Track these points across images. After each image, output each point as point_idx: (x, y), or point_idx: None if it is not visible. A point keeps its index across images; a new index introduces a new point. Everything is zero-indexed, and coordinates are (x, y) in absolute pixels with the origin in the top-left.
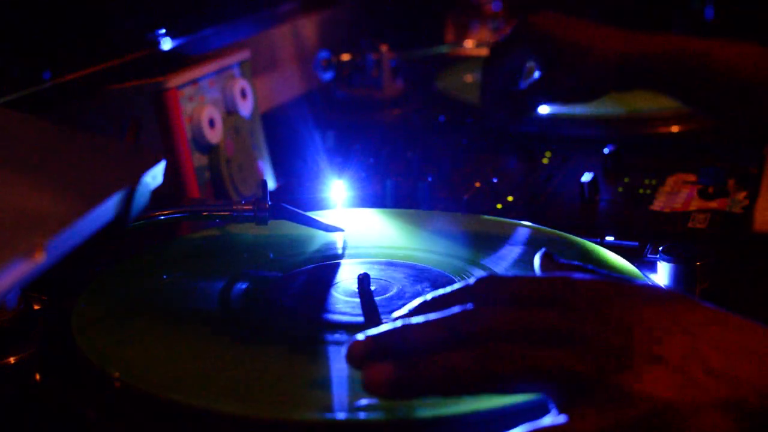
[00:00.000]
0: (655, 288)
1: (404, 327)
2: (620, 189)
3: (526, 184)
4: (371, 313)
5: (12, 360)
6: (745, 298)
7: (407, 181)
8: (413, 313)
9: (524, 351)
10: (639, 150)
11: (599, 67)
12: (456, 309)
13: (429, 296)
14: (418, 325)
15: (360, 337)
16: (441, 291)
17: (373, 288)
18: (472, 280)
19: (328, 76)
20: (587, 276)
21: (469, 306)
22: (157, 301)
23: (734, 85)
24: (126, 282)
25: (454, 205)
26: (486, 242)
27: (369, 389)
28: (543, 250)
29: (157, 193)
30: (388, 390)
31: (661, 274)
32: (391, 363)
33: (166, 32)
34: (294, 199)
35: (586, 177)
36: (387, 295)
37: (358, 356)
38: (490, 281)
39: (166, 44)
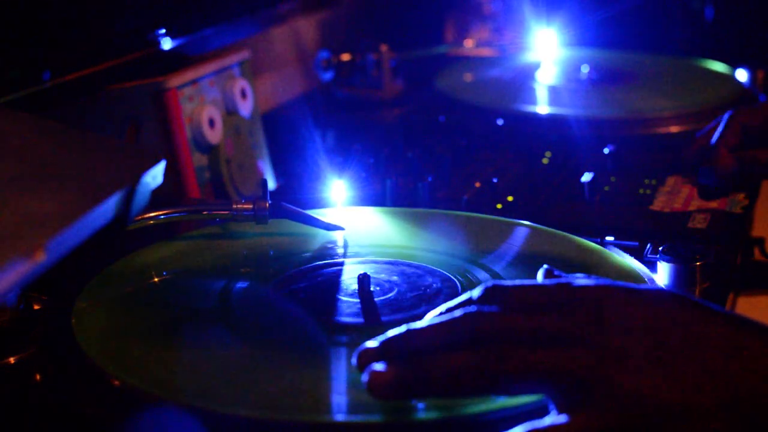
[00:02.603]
0: (656, 290)
1: (408, 330)
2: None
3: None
4: (371, 313)
5: (12, 360)
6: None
7: (407, 181)
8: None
9: (525, 353)
10: (639, 150)
11: None
12: (458, 312)
13: (437, 310)
14: (421, 328)
15: (370, 344)
16: (448, 303)
17: (373, 288)
18: (476, 291)
19: (328, 76)
20: (589, 281)
21: (473, 309)
22: (156, 300)
23: None
24: (126, 282)
25: (454, 205)
26: (486, 242)
27: (372, 391)
28: (545, 267)
29: (157, 193)
30: (391, 391)
31: (661, 274)
32: (393, 365)
33: (166, 32)
34: (294, 198)
35: (586, 177)
36: (387, 295)
37: (368, 362)
38: (494, 290)
39: (166, 44)
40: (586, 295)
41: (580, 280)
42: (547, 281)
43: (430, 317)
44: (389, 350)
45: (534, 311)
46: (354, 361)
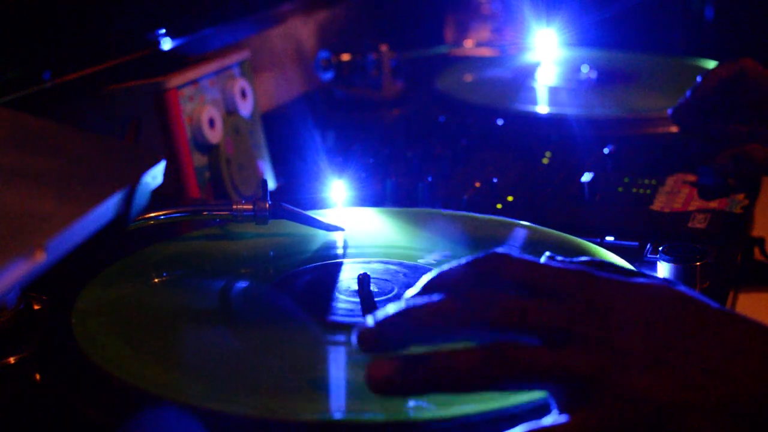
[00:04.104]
0: (661, 287)
1: (409, 309)
2: (620, 189)
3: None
4: (371, 312)
5: (12, 360)
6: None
7: (407, 181)
8: (422, 292)
9: (528, 354)
10: (639, 150)
11: None
12: (462, 293)
13: (433, 272)
14: (422, 307)
15: (369, 321)
16: (449, 266)
17: (373, 288)
18: (482, 254)
19: (328, 76)
20: (594, 273)
21: (476, 289)
22: (157, 300)
23: None
24: (126, 282)
25: (454, 205)
26: (486, 242)
27: (372, 386)
28: (547, 254)
29: (157, 193)
30: (392, 387)
31: (661, 275)
32: (394, 360)
33: (166, 32)
34: (294, 199)
35: (586, 177)
36: (387, 295)
37: (368, 343)
38: (501, 259)
39: (166, 44)
40: (590, 289)
41: (581, 268)
42: (553, 263)
43: (424, 282)
44: (387, 333)
45: (537, 297)
46: (353, 340)
